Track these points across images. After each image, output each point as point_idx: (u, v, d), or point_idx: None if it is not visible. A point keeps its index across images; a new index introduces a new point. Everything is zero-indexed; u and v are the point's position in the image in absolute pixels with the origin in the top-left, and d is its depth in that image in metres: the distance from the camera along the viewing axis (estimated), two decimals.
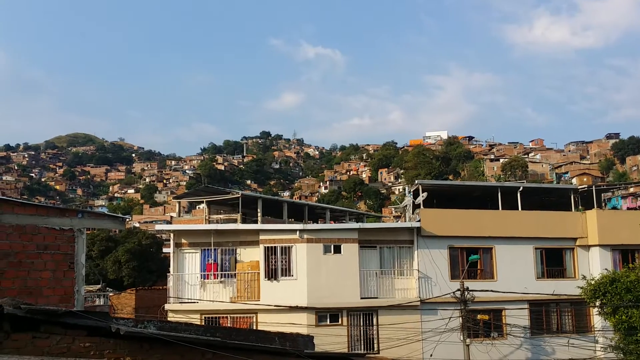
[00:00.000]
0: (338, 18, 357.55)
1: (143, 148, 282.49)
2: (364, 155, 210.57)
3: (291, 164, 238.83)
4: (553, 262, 30.35)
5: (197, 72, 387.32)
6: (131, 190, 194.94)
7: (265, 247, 27.45)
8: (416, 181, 34.38)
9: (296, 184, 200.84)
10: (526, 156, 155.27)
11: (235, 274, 27.53)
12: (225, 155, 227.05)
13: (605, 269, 25.17)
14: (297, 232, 27.48)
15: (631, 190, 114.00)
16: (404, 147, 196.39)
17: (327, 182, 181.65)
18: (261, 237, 27.65)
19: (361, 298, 27.41)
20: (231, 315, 26.71)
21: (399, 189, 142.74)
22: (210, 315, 26.53)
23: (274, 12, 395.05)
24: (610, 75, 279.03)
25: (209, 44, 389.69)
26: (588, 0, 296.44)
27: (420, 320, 26.97)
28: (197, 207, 59.89)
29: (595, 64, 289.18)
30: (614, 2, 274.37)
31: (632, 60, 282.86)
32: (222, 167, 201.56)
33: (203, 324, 24.00)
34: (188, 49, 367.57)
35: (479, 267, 29.29)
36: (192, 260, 28.00)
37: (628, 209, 65.59)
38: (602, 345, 26.00)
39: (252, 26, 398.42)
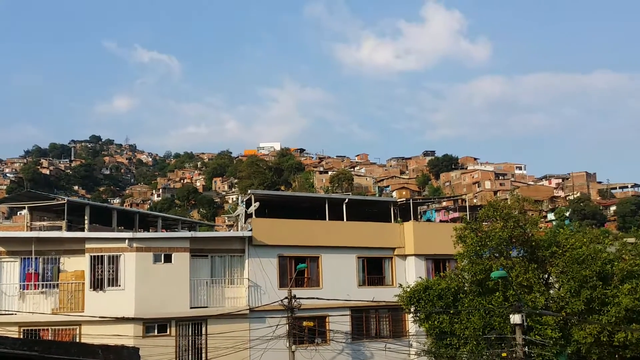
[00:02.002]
0: (175, 24, 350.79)
1: None
2: (199, 163, 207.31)
3: (122, 170, 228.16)
4: (374, 270, 31.98)
5: (21, 70, 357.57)
6: None
7: (91, 256, 25.98)
8: (249, 191, 34.57)
9: (127, 191, 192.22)
10: (352, 170, 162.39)
11: (57, 284, 25.72)
12: (51, 159, 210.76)
13: (419, 277, 26.91)
14: (126, 241, 26.35)
15: (444, 204, 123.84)
16: (238, 156, 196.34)
17: (160, 190, 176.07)
18: (87, 245, 26.13)
19: (191, 307, 26.90)
20: (53, 327, 24.94)
21: (232, 198, 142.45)
22: (29, 328, 24.65)
23: (107, 13, 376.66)
24: (428, 97, 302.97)
25: (32, 41, 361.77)
26: (410, 26, 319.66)
27: (248, 328, 27.07)
28: (18, 213, 55.07)
29: (416, 86, 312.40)
30: (434, 29, 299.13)
31: (448, 84, 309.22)
32: (48, 172, 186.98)
33: (21, 337, 22.11)
34: (7, 45, 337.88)
35: (306, 276, 30.05)
36: (10, 269, 25.83)
37: (441, 221, 70.96)
38: (415, 350, 27.67)
39: (83, 25, 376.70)
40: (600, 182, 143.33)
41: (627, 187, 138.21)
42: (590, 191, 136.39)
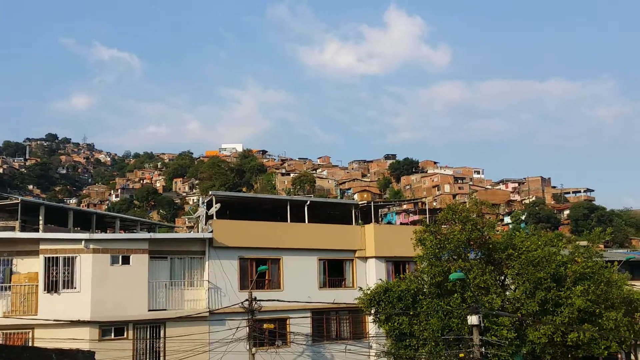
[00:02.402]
0: (136, 22, 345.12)
1: None
2: (159, 164, 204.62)
3: (80, 170, 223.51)
4: (335, 272, 32.01)
5: None
6: None
7: (45, 257, 25.28)
8: (210, 192, 34.23)
9: (84, 191, 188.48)
10: (314, 172, 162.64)
11: (10, 286, 24.97)
12: (4, 157, 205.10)
13: (380, 279, 27.08)
14: (83, 242, 25.73)
15: (404, 207, 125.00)
16: (200, 157, 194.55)
17: (119, 190, 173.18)
18: (42, 246, 25.42)
19: (149, 310, 26.42)
20: (4, 331, 24.17)
21: (193, 200, 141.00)
22: None
23: (65, 9, 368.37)
24: (389, 101, 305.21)
25: None
26: (373, 31, 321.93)
27: (208, 331, 26.78)
28: None
29: (377, 89, 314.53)
30: (396, 35, 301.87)
31: (409, 88, 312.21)
32: (1, 170, 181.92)
33: None
34: None
35: (267, 278, 29.91)
36: None
37: (401, 224, 71.70)
38: (375, 351, 27.82)
39: (40, 21, 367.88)
40: (554, 187, 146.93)
41: (579, 192, 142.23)
42: (545, 195, 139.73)
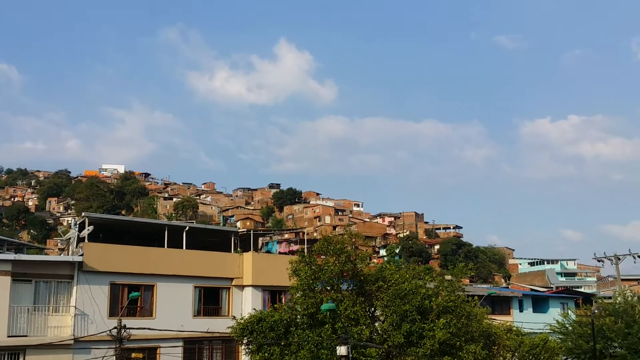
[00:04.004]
0: (17, 33, 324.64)
1: None
2: (33, 181, 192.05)
3: None
4: (210, 300, 31.39)
5: None
6: None
7: None
8: (83, 213, 32.56)
9: None
10: (198, 197, 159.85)
11: None
12: None
13: (254, 309, 26.82)
14: None
15: (286, 236, 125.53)
16: (77, 177, 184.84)
17: None
18: None
19: (8, 336, 24.54)
20: None
21: (67, 220, 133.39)
22: None
23: None
24: (275, 132, 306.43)
25: None
26: (263, 62, 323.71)
27: (72, 359, 25.19)
28: None
29: (265, 119, 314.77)
30: (285, 67, 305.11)
31: (294, 120, 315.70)
32: None
33: None
34: None
35: (139, 305, 28.72)
36: None
37: (280, 253, 71.87)
38: None
39: None
40: (427, 222, 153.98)
41: (449, 228, 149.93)
42: (418, 230, 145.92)
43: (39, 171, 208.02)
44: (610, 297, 46.12)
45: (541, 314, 48.13)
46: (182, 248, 31.85)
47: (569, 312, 44.00)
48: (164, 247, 31.40)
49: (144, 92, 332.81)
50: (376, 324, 24.04)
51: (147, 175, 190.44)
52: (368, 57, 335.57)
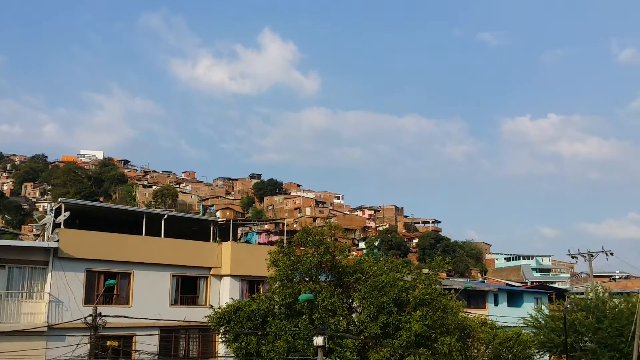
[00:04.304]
0: None
1: None
2: (9, 165, 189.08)
3: None
4: (188, 289, 31.28)
5: None
6: None
7: None
8: (59, 199, 32.15)
9: None
10: (178, 186, 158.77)
11: None
12: None
13: (231, 298, 26.76)
14: None
15: (265, 227, 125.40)
16: (55, 162, 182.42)
17: None
18: None
19: None
20: None
21: (43, 206, 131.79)
22: None
23: None
24: (258, 122, 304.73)
25: None
26: (247, 52, 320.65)
27: (45, 347, 24.90)
28: None
29: (247, 109, 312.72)
30: (269, 57, 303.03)
31: (277, 111, 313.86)
32: None
33: None
34: None
35: (115, 292, 28.50)
36: None
37: (259, 243, 71.82)
38: None
39: None
40: (406, 216, 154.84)
41: (428, 222, 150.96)
42: (398, 224, 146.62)
43: (15, 155, 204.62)
44: (582, 293, 46.90)
45: (516, 308, 48.80)
46: (160, 236, 31.66)
47: (543, 306, 44.61)
48: (142, 234, 31.15)
49: (124, 78, 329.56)
50: (353, 315, 24.17)
51: (126, 162, 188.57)
52: (352, 50, 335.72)
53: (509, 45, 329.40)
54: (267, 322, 23.08)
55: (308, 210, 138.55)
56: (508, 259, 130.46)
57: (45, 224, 31.34)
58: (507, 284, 66.31)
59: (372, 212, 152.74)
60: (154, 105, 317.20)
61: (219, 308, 24.09)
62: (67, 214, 28.64)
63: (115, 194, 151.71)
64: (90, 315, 24.19)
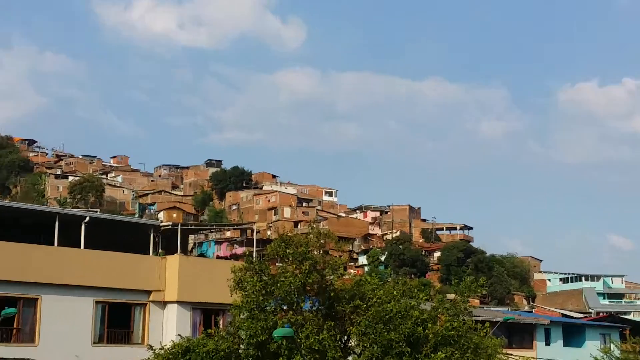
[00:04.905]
0: None
1: None
2: None
3: None
4: (118, 322, 31.26)
5: None
6: None
7: None
8: None
9: None
10: (104, 177, 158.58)
11: None
12: None
13: (179, 335, 26.75)
14: None
15: (227, 234, 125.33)
16: None
17: None
18: None
19: None
20: None
21: None
22: None
23: None
24: (217, 87, 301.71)
25: None
26: None
27: None
28: None
29: (202, 69, 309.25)
30: None
31: (243, 72, 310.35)
32: None
33: None
34: None
35: (15, 326, 28.46)
36: None
37: (218, 257, 71.89)
38: None
39: None
40: (424, 220, 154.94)
41: (455, 228, 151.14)
42: (413, 230, 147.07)
43: None
44: None
45: (575, 348, 49.20)
46: (79, 247, 31.66)
47: (612, 346, 45.02)
48: (53, 244, 31.14)
49: (29, 24, 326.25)
50: (350, 358, 24.26)
51: (32, 142, 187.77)
52: None
53: None
54: None
55: (287, 212, 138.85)
56: (565, 280, 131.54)
57: None
58: (563, 315, 66.86)
59: (378, 214, 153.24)
60: (71, 63, 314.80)
61: (161, 349, 24.10)
62: None
63: (15, 186, 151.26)
64: None
